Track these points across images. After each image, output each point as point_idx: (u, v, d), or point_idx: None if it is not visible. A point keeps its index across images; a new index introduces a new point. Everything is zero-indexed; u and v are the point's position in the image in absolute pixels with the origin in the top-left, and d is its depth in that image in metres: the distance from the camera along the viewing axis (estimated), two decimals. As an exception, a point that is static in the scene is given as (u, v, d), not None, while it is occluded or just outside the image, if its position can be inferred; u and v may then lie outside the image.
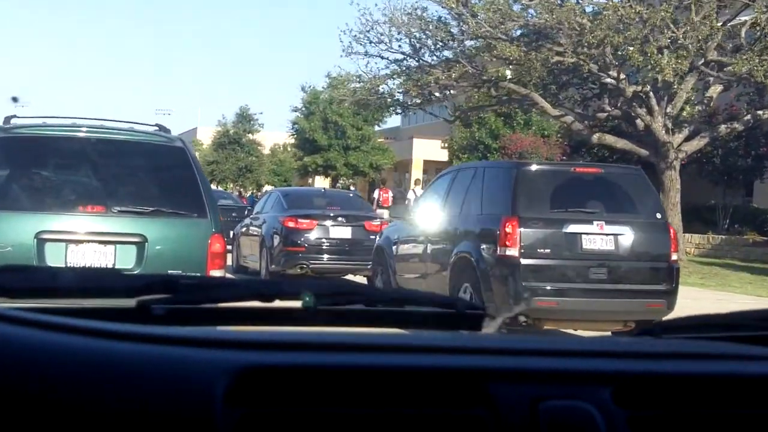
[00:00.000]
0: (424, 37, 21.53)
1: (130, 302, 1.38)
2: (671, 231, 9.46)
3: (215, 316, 1.46)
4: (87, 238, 6.24)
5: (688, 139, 19.99)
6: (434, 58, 22.21)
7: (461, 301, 1.64)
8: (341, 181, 42.34)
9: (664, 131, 19.43)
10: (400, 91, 21.89)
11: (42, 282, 1.46)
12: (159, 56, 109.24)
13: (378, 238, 12.85)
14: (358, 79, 22.63)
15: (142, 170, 6.81)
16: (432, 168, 43.56)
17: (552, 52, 18.93)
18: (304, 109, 44.59)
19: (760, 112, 19.76)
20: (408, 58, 22.24)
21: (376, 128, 44.56)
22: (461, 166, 12.29)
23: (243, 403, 1.01)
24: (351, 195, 19.72)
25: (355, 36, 21.79)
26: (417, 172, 42.20)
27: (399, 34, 21.55)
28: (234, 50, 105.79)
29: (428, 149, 43.61)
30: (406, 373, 1.09)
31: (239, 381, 1.01)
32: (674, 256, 9.37)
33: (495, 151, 31.90)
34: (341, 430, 1.03)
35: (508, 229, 8.91)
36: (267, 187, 49.84)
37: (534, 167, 9.55)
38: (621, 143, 20.47)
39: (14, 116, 6.88)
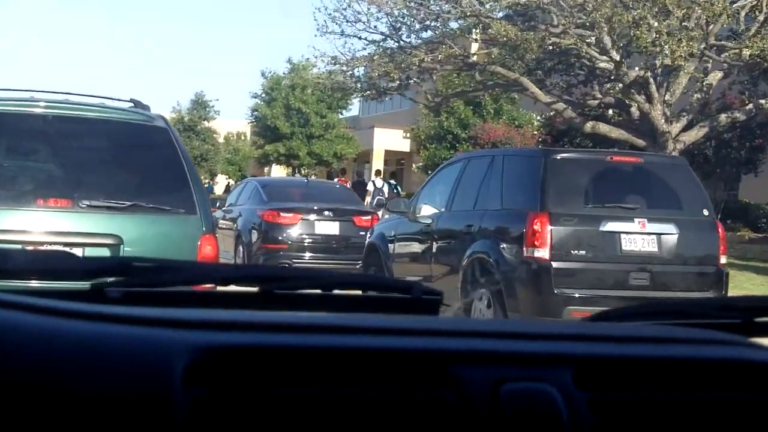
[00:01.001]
0: (405, 16, 20.39)
1: (83, 285, 1.39)
2: (720, 230, 8.46)
3: (170, 299, 1.45)
4: (48, 239, 5.14)
5: (686, 128, 19.12)
6: (414, 39, 21.13)
7: (417, 285, 1.60)
8: (304, 171, 41.30)
9: (663, 120, 18.52)
10: (377, 74, 20.68)
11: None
12: (109, 38, 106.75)
13: (369, 234, 11.75)
14: (333, 61, 21.41)
15: (116, 155, 5.78)
16: (393, 158, 42.85)
17: (548, 32, 17.90)
18: (264, 95, 43.44)
19: (762, 101, 18.93)
20: (387, 38, 21.12)
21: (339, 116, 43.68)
22: (471, 155, 11.19)
23: (202, 382, 1.00)
24: (338, 186, 18.44)
25: (331, 14, 20.63)
26: (378, 162, 41.47)
27: (379, 12, 20.41)
28: (189, 33, 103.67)
29: (389, 139, 42.87)
30: (367, 355, 1.09)
31: (198, 361, 1.00)
32: (723, 260, 8.38)
33: (464, 141, 31.41)
34: (300, 411, 1.03)
35: (537, 227, 7.87)
36: (220, 177, 48.81)
37: (565, 155, 8.51)
38: (616, 132, 19.54)
39: None
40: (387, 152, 42.81)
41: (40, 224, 5.18)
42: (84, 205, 5.23)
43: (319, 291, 1.57)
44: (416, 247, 10.02)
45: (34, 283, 1.47)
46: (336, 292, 1.60)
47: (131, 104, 6.08)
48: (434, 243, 9.54)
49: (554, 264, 7.83)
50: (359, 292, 1.67)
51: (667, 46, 16.54)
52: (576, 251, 7.93)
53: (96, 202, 5.26)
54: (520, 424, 1.06)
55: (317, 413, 1.03)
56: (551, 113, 25.93)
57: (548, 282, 7.78)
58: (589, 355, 1.19)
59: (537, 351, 1.17)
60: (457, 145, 31.34)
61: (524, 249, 7.93)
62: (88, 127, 5.59)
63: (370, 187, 25.68)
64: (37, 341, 0.97)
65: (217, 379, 1.01)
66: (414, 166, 37.15)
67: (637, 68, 18.65)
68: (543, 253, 7.83)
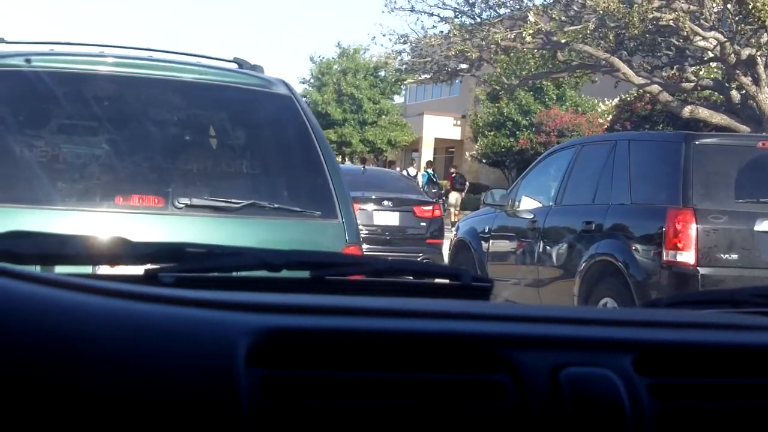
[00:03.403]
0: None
1: (137, 270, 1.45)
2: None
3: (223, 284, 1.54)
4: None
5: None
6: (490, 14, 20.23)
7: (467, 272, 1.65)
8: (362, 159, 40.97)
9: (771, 104, 17.51)
10: (453, 53, 19.81)
11: (49, 248, 1.48)
12: (154, 24, 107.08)
13: (456, 230, 10.90)
14: (403, 39, 20.56)
15: (225, 134, 4.52)
16: (442, 146, 42.44)
17: (651, 5, 16.90)
18: (314, 80, 43.01)
19: None
20: (460, 14, 20.22)
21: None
22: (585, 140, 10.17)
23: (264, 364, 1.03)
24: (396, 175, 17.92)
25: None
26: (428, 151, 41.19)
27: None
28: (231, 20, 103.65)
29: (440, 127, 42.89)
30: (427, 338, 1.12)
31: (260, 343, 1.04)
32: None
33: (525, 128, 31.07)
34: (361, 394, 1.05)
35: (679, 226, 6.93)
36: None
37: (711, 140, 7.50)
38: (717, 117, 18.51)
39: (0, 40, 4.58)
40: (437, 140, 42.78)
41: (119, 231, 3.39)
42: (181, 205, 3.95)
43: (368, 277, 1.65)
44: (518, 246, 9.11)
45: (87, 269, 1.48)
46: (385, 278, 1.69)
47: (235, 64, 4.76)
48: (541, 242, 8.63)
49: (701, 270, 6.89)
50: (409, 279, 1.73)
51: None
52: (726, 255, 6.99)
53: (198, 201, 3.98)
54: (579, 409, 1.08)
55: (374, 396, 1.05)
56: (630, 97, 25.12)
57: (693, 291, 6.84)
58: (649, 341, 1.21)
59: (596, 336, 1.20)
60: (518, 132, 31.07)
61: (663, 252, 7.00)
62: (183, 93, 4.26)
63: (419, 178, 25.42)
64: (105, 322, 1.00)
65: (277, 362, 1.05)
66: (467, 154, 36.70)
67: (748, 48, 17.66)
68: (687, 257, 6.90)
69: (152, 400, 0.95)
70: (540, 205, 8.86)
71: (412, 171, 27.42)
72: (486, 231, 9.73)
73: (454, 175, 29.18)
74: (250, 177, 4.35)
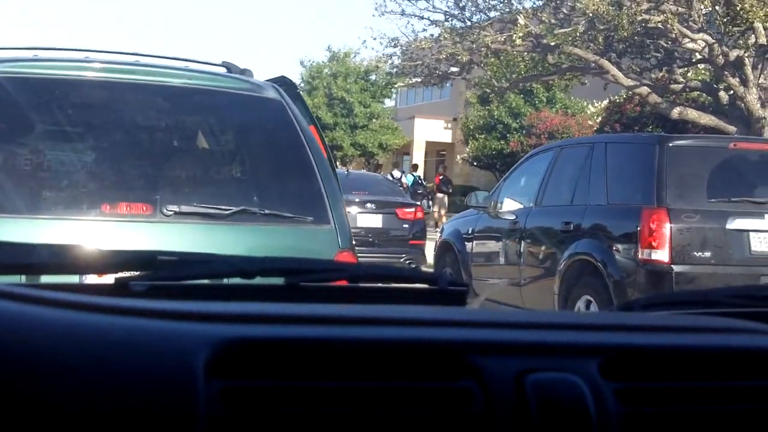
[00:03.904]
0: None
1: (108, 279, 1.46)
2: None
3: (195, 292, 1.51)
4: None
5: (782, 114, 18.40)
6: (480, 18, 20.54)
7: (443, 276, 1.66)
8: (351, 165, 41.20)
9: (759, 104, 17.80)
10: (444, 56, 20.12)
11: (15, 257, 1.48)
12: (141, 29, 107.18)
13: (441, 231, 11.20)
14: (394, 43, 20.88)
15: (213, 139, 4.49)
16: (433, 150, 42.82)
17: (639, 8, 17.21)
18: (304, 84, 43.32)
19: None
20: (451, 18, 20.55)
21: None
22: (565, 143, 10.52)
23: (224, 376, 1.03)
24: (380, 177, 18.33)
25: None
26: (419, 154, 41.55)
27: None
28: (221, 23, 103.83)
29: (431, 130, 43.27)
30: (390, 346, 1.13)
31: (220, 354, 1.04)
32: None
33: (515, 131, 31.56)
34: (324, 403, 1.06)
35: (654, 225, 7.25)
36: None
37: (684, 142, 7.83)
38: (706, 118, 18.81)
39: None
40: (428, 143, 43.13)
41: (106, 240, 3.72)
42: (170, 212, 3.88)
43: (344, 283, 1.65)
44: (501, 247, 9.42)
45: (57, 278, 1.44)
46: (362, 284, 1.71)
47: (223, 68, 4.76)
48: (523, 242, 8.95)
49: (675, 268, 7.21)
50: (385, 284, 1.74)
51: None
52: (699, 253, 7.31)
53: (187, 208, 3.90)
54: (545, 414, 1.09)
55: (339, 405, 1.06)
56: (619, 99, 25.42)
57: (669, 289, 7.15)
58: (614, 345, 1.23)
59: (562, 341, 1.21)
60: (508, 135, 31.49)
61: (638, 250, 7.32)
62: (171, 98, 4.23)
63: (388, 178, 25.86)
64: (59, 335, 1.00)
65: (240, 373, 1.05)
66: (458, 157, 37.03)
67: (736, 49, 17.96)
68: (662, 255, 7.22)
69: (109, 413, 0.96)
70: (521, 207, 9.19)
71: (396, 174, 27.78)
72: (470, 232, 10.04)
73: (441, 177, 29.57)
74: (240, 183, 4.34)
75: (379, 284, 1.73)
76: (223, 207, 3.95)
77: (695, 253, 7.30)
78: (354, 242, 4.26)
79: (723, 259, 7.34)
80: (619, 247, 7.58)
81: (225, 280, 1.72)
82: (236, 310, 1.17)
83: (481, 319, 1.30)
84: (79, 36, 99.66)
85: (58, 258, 1.51)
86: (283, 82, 4.86)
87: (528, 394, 1.10)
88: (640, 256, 7.32)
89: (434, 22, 21.05)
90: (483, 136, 32.81)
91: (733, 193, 7.57)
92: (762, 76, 18.27)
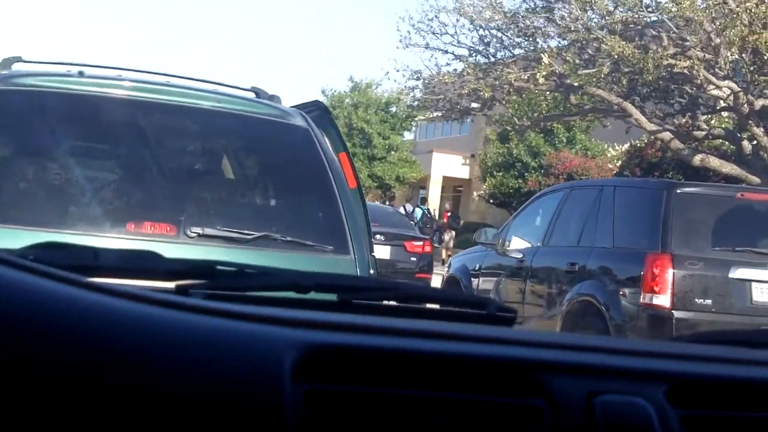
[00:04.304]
0: (500, 29, 20.08)
1: (168, 285, 1.51)
2: None
3: (252, 303, 1.49)
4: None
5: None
6: (504, 54, 20.84)
7: (493, 302, 1.72)
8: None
9: (781, 155, 18.02)
10: (466, 91, 20.44)
11: (83, 259, 1.54)
12: (162, 47, 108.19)
13: (448, 267, 11.43)
14: (416, 75, 21.21)
15: (240, 164, 4.67)
16: (450, 185, 43.15)
17: (666, 52, 17.44)
18: (326, 114, 43.72)
19: None
20: (475, 54, 20.86)
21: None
22: (575, 184, 10.78)
23: (308, 379, 1.09)
24: (391, 210, 18.64)
25: (415, 25, 20.42)
26: (435, 188, 41.86)
27: (472, 24, 20.14)
28: (244, 50, 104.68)
29: (448, 165, 43.51)
30: (467, 360, 1.18)
31: (306, 358, 1.09)
32: None
33: (534, 170, 31.76)
34: (400, 411, 1.11)
35: (657, 270, 7.45)
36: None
37: (691, 189, 8.06)
38: (728, 167, 19.01)
39: (18, 59, 4.67)
40: (445, 178, 43.37)
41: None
42: (193, 234, 3.97)
43: (394, 303, 1.71)
44: (506, 285, 9.64)
45: (119, 281, 1.43)
46: (412, 305, 1.77)
47: (252, 93, 4.87)
48: (528, 281, 9.16)
49: (676, 314, 7.40)
50: (435, 306, 1.80)
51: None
52: (701, 300, 7.50)
53: (210, 231, 3.99)
54: None
55: (415, 414, 1.11)
56: (641, 143, 25.63)
57: (668, 334, 7.34)
58: (682, 373, 1.28)
59: (631, 366, 1.26)
60: (526, 174, 31.81)
61: (641, 295, 7.52)
62: (199, 121, 4.36)
63: (401, 211, 26.09)
64: (149, 331, 1.04)
65: (321, 377, 1.10)
66: (475, 193, 37.30)
67: (762, 98, 18.13)
68: (663, 300, 7.41)
69: (196, 411, 0.99)
70: (529, 245, 9.40)
71: (408, 207, 28.12)
72: (477, 268, 10.26)
73: (449, 213, 29.86)
74: (263, 208, 4.44)
75: (429, 305, 1.79)
76: (245, 231, 4.03)
77: (697, 300, 7.50)
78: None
79: (724, 308, 7.52)
80: (623, 290, 7.78)
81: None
82: (318, 318, 1.23)
83: (552, 341, 1.34)
84: (81, 38, 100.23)
85: (118, 261, 1.60)
86: (317, 107, 4.99)
87: (597, 414, 1.14)
88: (642, 300, 7.51)
89: (458, 57, 21.35)
90: (501, 174, 33.09)
91: (737, 243, 7.78)
92: (784, 126, 18.51)
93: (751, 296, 7.59)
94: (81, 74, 4.35)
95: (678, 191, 7.86)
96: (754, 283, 7.60)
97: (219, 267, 1.61)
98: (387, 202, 33.34)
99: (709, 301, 7.52)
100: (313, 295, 1.59)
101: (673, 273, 7.45)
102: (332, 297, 1.61)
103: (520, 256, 9.41)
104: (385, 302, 1.69)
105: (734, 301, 7.57)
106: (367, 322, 1.26)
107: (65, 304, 1.03)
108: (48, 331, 0.99)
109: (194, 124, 4.37)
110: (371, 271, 4.33)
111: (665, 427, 1.16)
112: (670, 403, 1.20)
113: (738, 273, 7.58)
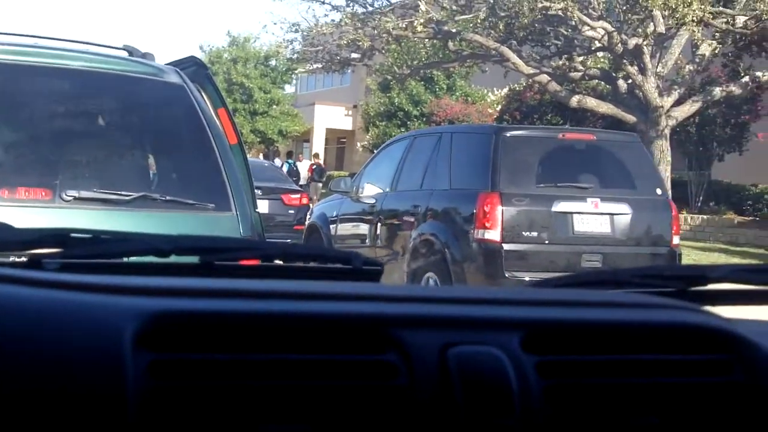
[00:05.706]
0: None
1: (19, 256, 1.56)
2: (673, 209, 9.53)
3: (109, 270, 1.59)
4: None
5: (677, 103, 20.01)
6: (382, 3, 21.95)
7: (358, 256, 1.81)
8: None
9: (656, 93, 19.41)
10: (345, 42, 21.49)
11: None
12: (37, 10, 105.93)
13: (309, 215, 12.66)
14: (295, 28, 22.19)
15: (114, 125, 4.73)
16: (334, 137, 44.31)
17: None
18: (204, 70, 44.18)
19: (759, 74, 19.88)
20: (352, 3, 21.95)
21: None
22: (417, 132, 12.20)
23: (152, 348, 1.11)
24: (266, 164, 19.81)
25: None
26: (319, 141, 43.03)
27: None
28: (119, 7, 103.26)
29: (331, 117, 45.01)
30: (316, 320, 1.22)
31: (148, 326, 1.12)
32: (676, 240, 9.42)
33: (416, 118, 33.17)
34: (250, 376, 1.15)
35: (488, 208, 8.78)
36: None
37: (517, 132, 9.47)
38: (604, 107, 20.39)
39: None
40: (328, 130, 44.79)
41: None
42: (69, 198, 4.05)
43: (258, 261, 1.80)
44: (360, 229, 10.99)
45: None
46: (276, 262, 1.81)
47: (125, 52, 4.99)
48: (379, 224, 10.50)
49: (505, 246, 8.79)
50: (299, 263, 1.90)
51: (680, 8, 17.33)
52: (527, 233, 8.88)
53: (86, 193, 4.08)
54: (467, 386, 1.20)
55: (265, 378, 1.16)
56: (519, 87, 26.93)
57: (499, 265, 8.71)
58: (535, 320, 1.34)
59: (484, 315, 1.32)
60: (409, 122, 33.02)
61: (474, 231, 8.84)
62: (71, 82, 4.42)
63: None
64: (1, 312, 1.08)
65: (166, 346, 1.13)
66: (358, 144, 38.47)
67: (635, 37, 19.39)
68: (494, 235, 8.75)
69: (35, 385, 1.02)
70: (380, 191, 10.69)
71: (277, 162, 29.33)
72: (334, 215, 11.56)
73: (314, 166, 31.02)
74: (141, 169, 4.52)
75: (293, 263, 1.86)
76: (123, 193, 4.13)
77: (524, 232, 8.88)
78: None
79: (549, 238, 8.94)
80: (459, 228, 9.13)
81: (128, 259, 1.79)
82: (162, 284, 1.25)
83: (404, 294, 1.39)
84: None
85: None
86: (192, 63, 5.13)
87: (451, 366, 1.20)
88: (476, 236, 8.87)
89: (335, 8, 22.49)
90: (383, 124, 34.43)
91: (560, 179, 9.19)
92: (660, 64, 19.91)
93: (573, 227, 9.01)
94: None
95: (505, 134, 9.24)
96: (575, 215, 9.02)
97: (73, 235, 1.63)
98: (273, 158, 34.31)
99: (535, 233, 8.90)
100: (174, 259, 1.64)
101: (502, 210, 8.81)
102: (194, 260, 1.66)
103: (372, 201, 10.70)
104: (248, 262, 1.75)
105: (558, 232, 8.98)
106: (220, 285, 1.28)
107: None
108: None
109: (66, 86, 4.44)
110: (255, 228, 4.46)
111: (519, 374, 1.22)
112: (525, 351, 1.26)
113: (560, 206, 8.98)
